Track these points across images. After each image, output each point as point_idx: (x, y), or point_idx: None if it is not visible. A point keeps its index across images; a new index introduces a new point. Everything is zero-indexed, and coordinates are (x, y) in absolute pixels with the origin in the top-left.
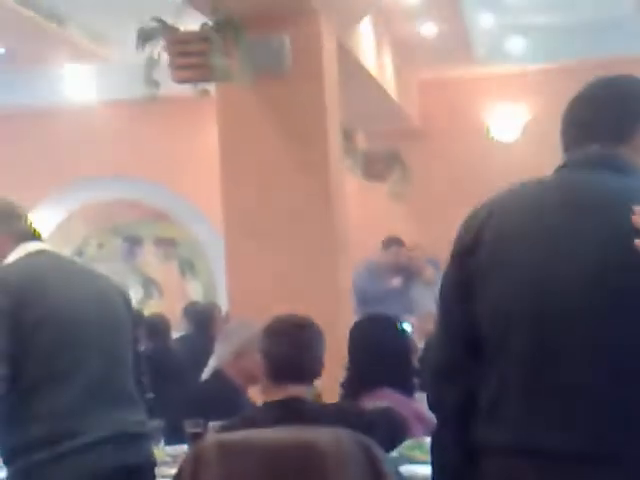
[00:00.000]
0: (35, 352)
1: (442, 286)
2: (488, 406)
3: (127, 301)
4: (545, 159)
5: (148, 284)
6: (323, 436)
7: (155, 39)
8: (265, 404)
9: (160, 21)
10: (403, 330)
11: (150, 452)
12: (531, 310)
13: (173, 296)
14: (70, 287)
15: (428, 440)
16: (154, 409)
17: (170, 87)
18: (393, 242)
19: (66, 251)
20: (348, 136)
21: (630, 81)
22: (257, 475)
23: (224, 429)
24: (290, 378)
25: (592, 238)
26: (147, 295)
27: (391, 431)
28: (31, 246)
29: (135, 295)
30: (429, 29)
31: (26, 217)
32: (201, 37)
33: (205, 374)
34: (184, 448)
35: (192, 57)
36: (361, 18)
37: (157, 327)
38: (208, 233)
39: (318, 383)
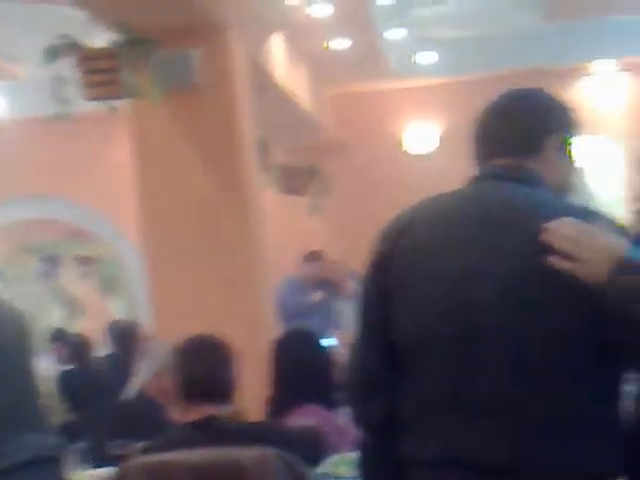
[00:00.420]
0: None
1: (361, 298)
2: (411, 420)
3: (20, 327)
4: (459, 171)
5: (70, 303)
6: (248, 455)
7: (63, 56)
8: (183, 425)
9: (67, 38)
10: (323, 345)
11: (63, 476)
12: (448, 325)
13: (95, 315)
14: None
15: (353, 455)
16: (76, 431)
17: (85, 103)
18: (314, 256)
19: None
20: (264, 151)
21: (538, 94)
22: None
23: (146, 451)
24: (203, 398)
25: (504, 252)
26: (69, 314)
27: (311, 449)
28: None
29: (57, 315)
30: (341, 43)
31: None
32: (110, 54)
33: (129, 393)
34: (109, 470)
35: (102, 74)
36: (273, 33)
37: (78, 347)
38: (128, 251)
39: (241, 402)
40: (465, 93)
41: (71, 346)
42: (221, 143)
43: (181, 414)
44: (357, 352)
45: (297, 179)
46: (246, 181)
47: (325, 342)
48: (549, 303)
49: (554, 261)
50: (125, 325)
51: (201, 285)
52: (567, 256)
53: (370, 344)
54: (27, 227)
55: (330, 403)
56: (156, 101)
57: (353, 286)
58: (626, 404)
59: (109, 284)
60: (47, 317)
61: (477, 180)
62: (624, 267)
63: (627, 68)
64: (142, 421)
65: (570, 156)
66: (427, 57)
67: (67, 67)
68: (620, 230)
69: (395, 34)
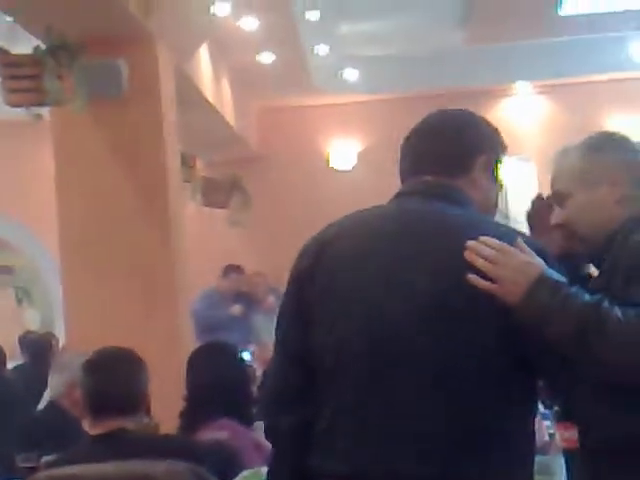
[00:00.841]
0: None
1: (280, 312)
2: (322, 435)
3: None
4: (380, 186)
5: None
6: (157, 468)
7: None
8: (91, 437)
9: None
10: (241, 358)
11: None
12: (363, 341)
13: (9, 325)
14: None
15: (265, 470)
16: None
17: (6, 110)
18: (232, 269)
19: None
20: (187, 162)
21: (468, 115)
22: None
23: (53, 464)
24: (111, 411)
25: (425, 268)
26: None
27: (221, 463)
28: None
29: None
30: (266, 57)
31: None
32: (34, 60)
33: (41, 405)
34: None
35: (25, 80)
36: (199, 45)
37: None
38: (46, 261)
39: (156, 416)
40: (387, 111)
41: None
42: (145, 154)
43: (90, 427)
44: (274, 364)
45: (219, 192)
46: (168, 193)
47: (244, 356)
48: (465, 318)
49: (473, 279)
50: (38, 336)
51: (118, 298)
52: (485, 275)
53: (286, 357)
54: None
55: (246, 418)
56: (80, 110)
57: (272, 300)
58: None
59: (24, 294)
60: None
61: (402, 196)
62: (539, 287)
63: (542, 91)
64: (53, 433)
65: (496, 177)
66: (350, 74)
67: None
68: (541, 250)
69: (319, 50)
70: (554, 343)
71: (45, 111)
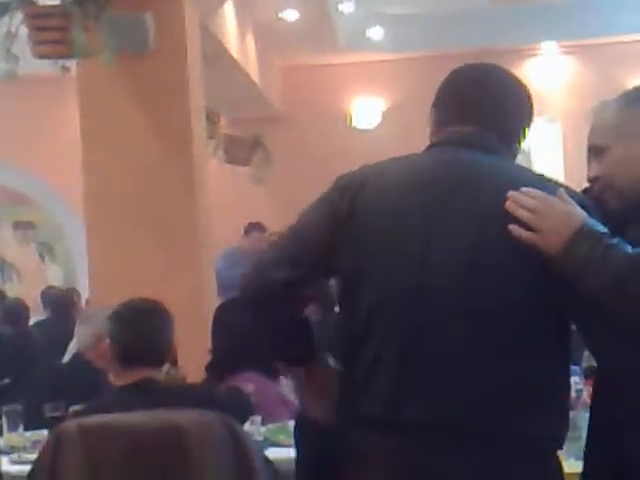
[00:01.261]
0: None
1: (314, 205)
2: (361, 384)
3: None
4: (403, 146)
5: (5, 268)
6: (186, 417)
7: (13, 12)
8: (118, 387)
9: None
10: None
11: None
12: (403, 286)
13: (32, 280)
14: None
15: (291, 424)
16: (10, 394)
17: (28, 65)
18: (254, 228)
19: None
20: (211, 119)
21: (506, 72)
22: (119, 458)
23: (80, 413)
24: (138, 361)
25: (464, 217)
26: (5, 279)
27: (238, 409)
28: None
29: None
30: (291, 14)
31: None
32: (61, 11)
33: (65, 358)
34: (44, 433)
35: (52, 32)
36: (224, 1)
37: (15, 312)
38: (68, 216)
39: (180, 369)
40: (412, 70)
41: (6, 310)
42: (170, 110)
43: (116, 378)
44: (278, 250)
45: (241, 150)
46: (193, 150)
47: None
48: (502, 269)
49: (513, 230)
50: (61, 292)
51: (142, 251)
52: (526, 225)
53: (298, 240)
54: None
55: (272, 372)
56: (107, 62)
57: None
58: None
59: (47, 250)
60: None
61: (443, 144)
62: (580, 237)
63: (569, 51)
64: (78, 385)
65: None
66: (376, 32)
67: (17, 24)
68: (583, 203)
69: (345, 8)
70: (593, 294)
71: (72, 65)
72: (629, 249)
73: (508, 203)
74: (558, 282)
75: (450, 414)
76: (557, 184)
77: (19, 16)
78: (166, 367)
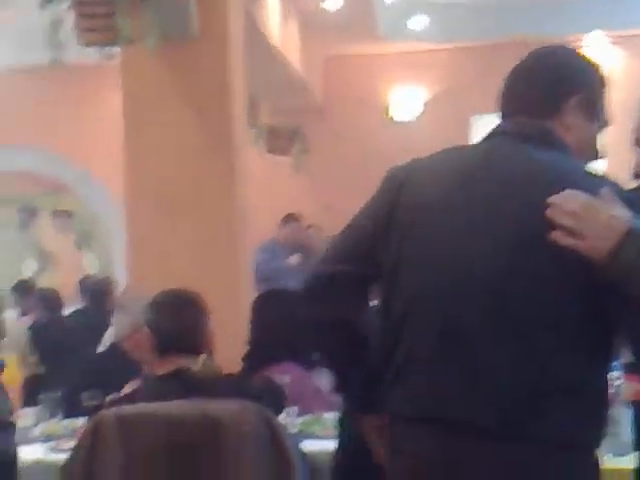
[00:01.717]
0: None
1: (368, 201)
2: (394, 376)
3: None
4: (444, 137)
5: (43, 256)
6: (223, 408)
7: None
8: (155, 377)
9: None
10: None
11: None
12: (442, 282)
13: (69, 269)
14: None
15: (327, 416)
16: (47, 383)
17: (72, 53)
18: (291, 219)
19: None
20: (253, 108)
21: (564, 52)
22: (156, 447)
23: (117, 402)
24: (175, 350)
25: (508, 216)
26: (42, 267)
27: (273, 400)
28: None
29: (30, 266)
30: (333, 4)
31: None
32: None
33: (101, 348)
34: (81, 421)
35: (98, 19)
36: None
37: (51, 300)
38: (106, 206)
39: (215, 360)
40: (454, 60)
41: (41, 299)
42: (213, 97)
43: (153, 367)
44: (331, 252)
45: (281, 139)
46: (234, 138)
47: None
48: (546, 270)
49: (557, 236)
50: (97, 281)
51: (181, 241)
52: (570, 232)
53: (349, 247)
54: (5, 177)
55: (308, 363)
56: (151, 48)
57: None
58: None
59: (85, 239)
60: (21, 269)
61: (492, 136)
62: (626, 242)
63: (616, 41)
64: (114, 374)
65: (597, 117)
66: (418, 22)
67: (63, 12)
68: (630, 201)
69: None
70: (639, 300)
71: (116, 52)
72: None
73: (549, 210)
74: (602, 286)
75: (486, 411)
76: (604, 180)
77: (65, 3)
78: (202, 358)
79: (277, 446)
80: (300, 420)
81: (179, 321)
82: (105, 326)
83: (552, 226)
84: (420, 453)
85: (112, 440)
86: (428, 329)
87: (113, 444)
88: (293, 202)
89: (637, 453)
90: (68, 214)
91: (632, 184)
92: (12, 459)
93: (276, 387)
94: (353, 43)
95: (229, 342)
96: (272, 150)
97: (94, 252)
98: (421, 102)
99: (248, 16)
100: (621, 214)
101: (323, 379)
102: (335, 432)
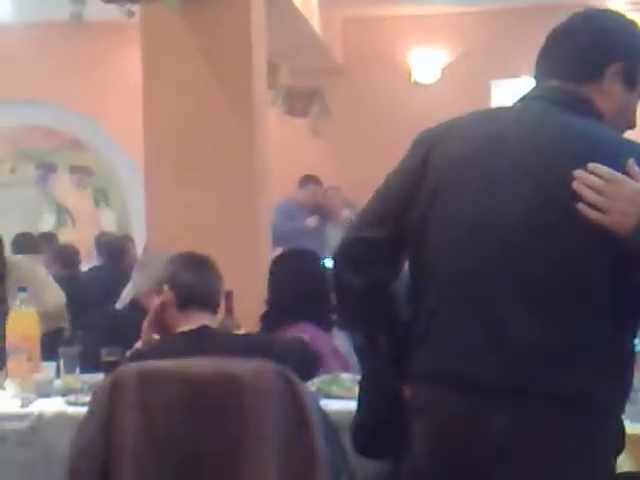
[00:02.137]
0: None
1: (397, 165)
2: (418, 333)
3: None
4: (464, 101)
5: (61, 212)
6: (244, 367)
7: None
8: (176, 334)
9: None
10: (323, 265)
11: None
12: (468, 241)
13: (86, 225)
14: None
15: (345, 376)
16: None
17: (91, 10)
18: (310, 180)
19: None
20: (272, 69)
21: (609, 17)
22: (175, 404)
23: (136, 358)
24: (196, 305)
25: (534, 181)
26: (60, 223)
27: (304, 362)
28: None
29: (47, 222)
30: None
31: None
32: None
33: (120, 304)
34: (100, 376)
35: None
36: None
37: (69, 257)
38: (125, 163)
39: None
40: (475, 24)
41: (58, 254)
42: (232, 57)
43: (173, 324)
44: (360, 221)
45: (300, 101)
46: (254, 98)
47: (325, 263)
48: (571, 237)
49: (582, 209)
50: (114, 238)
51: (201, 199)
52: (594, 206)
53: (379, 215)
54: (24, 132)
55: (326, 323)
56: (173, 8)
57: (347, 214)
58: None
59: (102, 195)
60: (38, 224)
61: (525, 99)
62: None
63: (636, 8)
64: (134, 330)
65: (636, 88)
66: None
67: None
68: None
69: None
70: None
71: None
72: None
73: (575, 183)
74: (626, 260)
75: (511, 372)
76: (636, 148)
77: None
78: (221, 315)
79: (297, 406)
80: (318, 379)
81: (200, 277)
82: (123, 283)
83: (578, 196)
84: (444, 412)
85: (131, 395)
86: (452, 288)
87: (132, 398)
88: (311, 164)
89: None
90: (86, 171)
91: None
92: None
93: (309, 352)
94: (373, 5)
95: (248, 301)
96: (290, 112)
97: (111, 209)
98: (441, 65)
99: None
100: None
101: (340, 339)
102: (353, 393)
